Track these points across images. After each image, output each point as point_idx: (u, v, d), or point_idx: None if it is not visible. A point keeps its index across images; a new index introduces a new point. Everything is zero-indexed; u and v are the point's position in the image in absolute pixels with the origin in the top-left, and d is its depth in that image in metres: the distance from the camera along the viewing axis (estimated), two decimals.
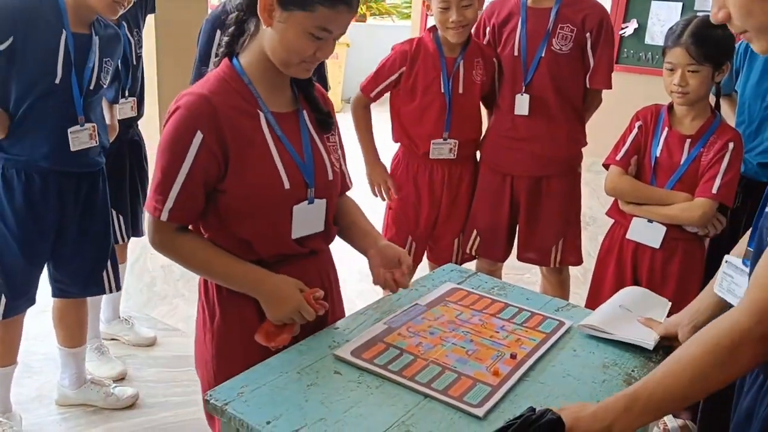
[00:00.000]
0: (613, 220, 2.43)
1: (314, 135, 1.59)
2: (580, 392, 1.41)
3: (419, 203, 2.76)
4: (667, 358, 1.18)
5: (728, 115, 2.51)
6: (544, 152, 2.69)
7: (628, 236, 2.30)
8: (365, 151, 2.79)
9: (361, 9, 11.52)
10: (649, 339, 1.56)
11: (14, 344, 2.46)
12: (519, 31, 2.64)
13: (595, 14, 2.61)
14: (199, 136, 1.41)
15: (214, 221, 1.52)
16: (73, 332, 2.62)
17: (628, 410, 1.14)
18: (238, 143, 1.44)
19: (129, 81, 2.88)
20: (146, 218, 1.52)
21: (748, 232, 1.33)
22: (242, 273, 1.52)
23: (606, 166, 2.35)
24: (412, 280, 1.73)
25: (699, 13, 2.85)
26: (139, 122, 3.08)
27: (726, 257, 1.45)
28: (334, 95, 8.37)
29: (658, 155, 2.23)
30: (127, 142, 2.96)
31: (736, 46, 2.68)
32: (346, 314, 1.72)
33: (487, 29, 2.74)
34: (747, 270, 1.28)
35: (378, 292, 2.99)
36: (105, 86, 2.41)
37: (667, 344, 1.56)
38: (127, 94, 2.88)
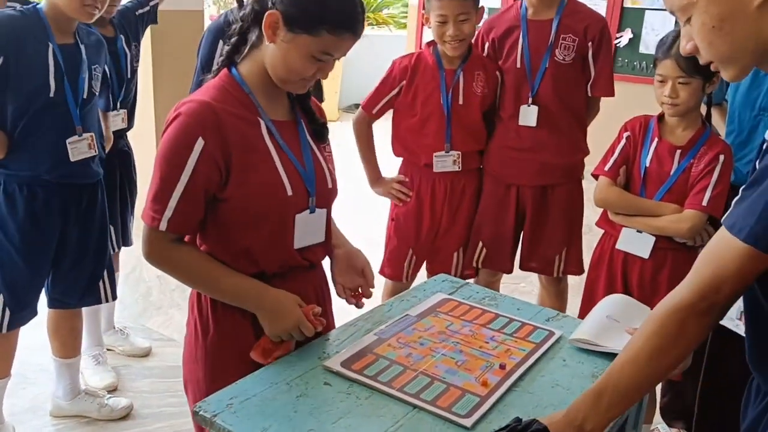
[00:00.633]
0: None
1: (312, 144, 1.60)
2: (569, 402, 1.39)
3: (421, 215, 2.77)
4: (623, 348, 1.25)
5: (718, 124, 2.52)
6: (549, 161, 2.70)
7: (617, 246, 2.31)
8: (368, 169, 2.82)
9: None
10: None
11: (10, 357, 2.46)
12: (521, 43, 2.65)
13: (596, 24, 2.64)
14: (200, 143, 1.39)
15: (214, 231, 1.50)
16: (67, 343, 2.62)
17: (596, 405, 1.21)
18: (241, 150, 1.44)
19: (122, 93, 2.89)
20: (143, 230, 1.48)
21: None
22: (241, 287, 1.50)
23: (595, 176, 2.36)
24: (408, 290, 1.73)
25: None
26: (129, 133, 3.10)
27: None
28: (331, 104, 8.39)
29: (647, 165, 2.24)
30: (117, 152, 2.97)
31: None
32: (342, 325, 1.73)
33: (486, 44, 2.75)
34: None
35: (373, 302, 3.00)
36: (97, 94, 2.42)
37: None
38: (119, 106, 2.90)
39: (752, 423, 1.24)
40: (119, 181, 3.00)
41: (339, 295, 1.70)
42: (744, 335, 1.24)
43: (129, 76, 2.94)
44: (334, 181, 1.64)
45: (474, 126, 2.73)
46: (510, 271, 2.93)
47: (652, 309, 1.28)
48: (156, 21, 3.18)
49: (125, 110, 2.95)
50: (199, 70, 2.32)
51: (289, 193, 1.50)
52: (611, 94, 2.71)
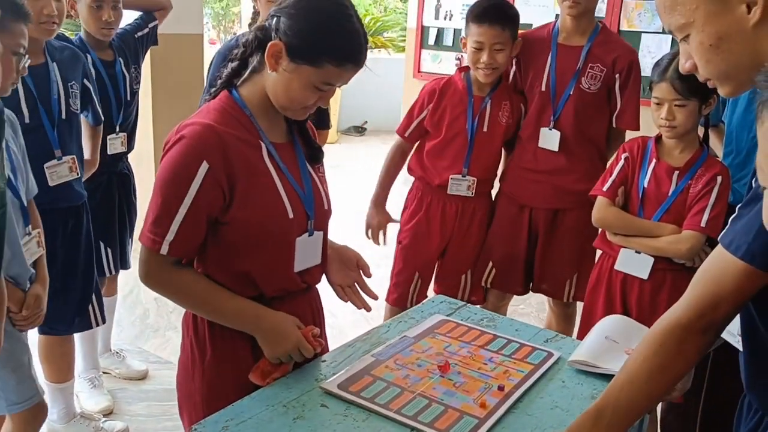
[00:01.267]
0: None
1: (308, 166, 1.60)
2: (568, 424, 1.38)
3: (429, 236, 2.77)
4: (621, 368, 1.25)
5: (716, 145, 2.52)
6: (564, 186, 2.70)
7: (616, 267, 2.30)
8: (379, 190, 2.82)
9: None
10: None
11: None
12: (549, 66, 2.66)
13: (625, 56, 2.65)
14: (204, 166, 1.38)
15: (213, 254, 1.49)
16: (60, 368, 2.59)
17: (596, 426, 1.20)
18: (244, 173, 1.43)
19: (120, 116, 2.89)
20: (141, 253, 1.46)
21: None
22: (241, 310, 1.49)
23: (593, 197, 2.36)
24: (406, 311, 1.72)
25: None
26: (129, 155, 3.09)
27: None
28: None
29: (645, 186, 2.24)
30: (116, 174, 2.96)
31: None
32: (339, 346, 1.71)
33: (514, 62, 2.76)
34: None
35: (370, 323, 2.99)
36: (78, 111, 2.38)
37: None
38: (118, 129, 2.89)
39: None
40: (118, 203, 2.98)
41: (341, 298, 1.69)
42: None
43: (128, 98, 2.94)
44: (329, 202, 1.64)
45: (493, 154, 2.76)
46: (521, 294, 2.92)
47: None
48: (156, 42, 3.19)
49: (125, 133, 2.93)
50: (207, 90, 2.33)
51: (291, 216, 1.50)
52: (636, 127, 2.70)
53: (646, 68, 4.89)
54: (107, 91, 2.79)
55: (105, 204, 2.87)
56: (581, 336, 2.33)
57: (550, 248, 2.77)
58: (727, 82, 1.13)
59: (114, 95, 2.84)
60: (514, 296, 3.02)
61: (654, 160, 2.26)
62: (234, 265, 1.49)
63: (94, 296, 2.55)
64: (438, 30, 6.07)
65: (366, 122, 8.97)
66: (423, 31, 6.15)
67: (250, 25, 2.61)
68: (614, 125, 2.72)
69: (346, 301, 1.70)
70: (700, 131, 2.26)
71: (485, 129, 2.67)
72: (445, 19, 6.33)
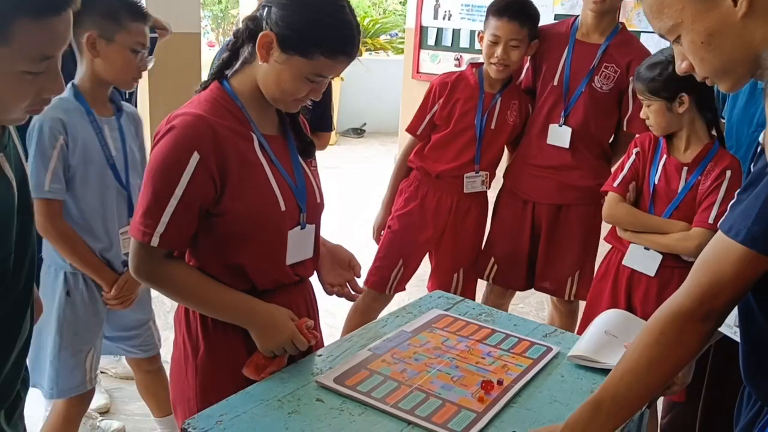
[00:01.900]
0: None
1: (300, 159, 1.58)
2: (567, 418, 1.37)
3: (421, 227, 2.74)
4: (620, 358, 1.23)
5: None
6: (568, 182, 2.69)
7: (624, 263, 2.29)
8: (388, 194, 2.82)
9: None
10: None
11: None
12: (564, 61, 2.64)
13: (640, 60, 2.61)
14: (195, 157, 1.36)
15: (205, 247, 1.47)
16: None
17: (595, 417, 1.19)
18: (236, 164, 1.41)
19: None
20: (132, 245, 1.44)
21: None
22: (233, 303, 1.47)
23: (604, 192, 2.34)
24: (397, 306, 1.70)
25: None
26: None
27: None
28: None
29: (656, 182, 2.23)
30: None
31: None
32: (336, 340, 1.70)
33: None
34: None
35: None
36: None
37: None
38: None
39: (745, 427, 1.22)
40: None
41: (328, 293, 1.68)
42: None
43: (126, 97, 2.92)
44: (321, 195, 1.62)
45: (497, 152, 2.76)
46: (522, 289, 2.90)
47: None
48: (151, 53, 3.17)
49: None
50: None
51: (283, 208, 1.48)
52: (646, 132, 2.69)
53: None
54: None
55: None
56: (582, 330, 2.32)
57: (552, 244, 2.75)
58: (725, 78, 1.13)
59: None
60: (516, 295, 3.00)
61: (664, 156, 2.24)
62: (226, 258, 1.47)
63: None
64: (437, 30, 6.05)
65: (365, 124, 8.95)
66: (422, 31, 6.14)
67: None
68: (624, 129, 2.69)
69: (331, 295, 1.69)
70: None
71: (493, 126, 2.67)
72: (444, 19, 6.32)
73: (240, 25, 1.47)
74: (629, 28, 5.37)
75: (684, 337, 1.16)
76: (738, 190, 1.12)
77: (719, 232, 1.11)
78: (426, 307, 1.88)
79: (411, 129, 2.75)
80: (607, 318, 1.75)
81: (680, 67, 1.16)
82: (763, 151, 1.10)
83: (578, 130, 2.64)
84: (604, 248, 2.45)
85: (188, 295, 1.49)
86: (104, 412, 2.81)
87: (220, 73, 1.50)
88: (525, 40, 2.55)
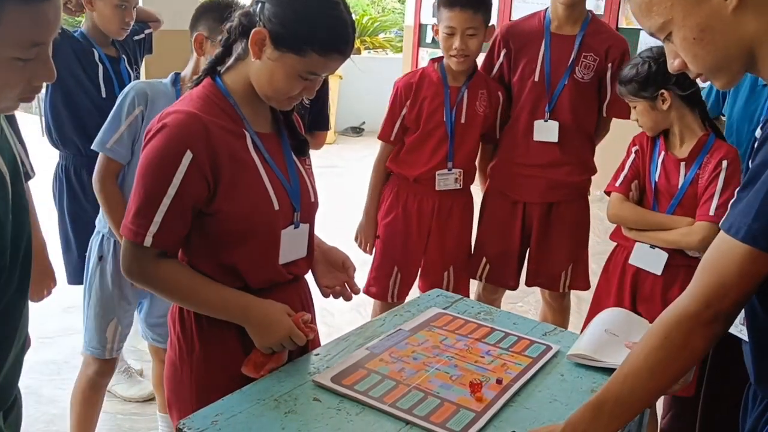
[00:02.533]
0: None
1: (294, 158, 1.57)
2: (567, 417, 1.36)
3: (407, 231, 2.72)
4: (625, 359, 1.21)
5: None
6: (558, 179, 2.67)
7: (630, 261, 2.28)
8: (369, 202, 2.77)
9: (356, 43, 11.64)
10: None
11: None
12: (542, 56, 2.62)
13: (618, 46, 2.63)
14: (188, 156, 1.34)
15: (198, 246, 1.45)
16: None
17: (596, 418, 1.17)
18: (229, 163, 1.39)
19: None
20: (123, 245, 1.42)
21: None
22: (228, 300, 1.45)
23: (607, 193, 2.33)
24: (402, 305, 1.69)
25: None
26: None
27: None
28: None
29: (657, 180, 2.23)
30: None
31: None
32: (333, 339, 1.68)
33: (503, 52, 2.70)
34: None
35: (367, 319, 2.95)
36: None
37: None
38: None
39: (751, 427, 1.20)
40: None
41: (324, 295, 1.66)
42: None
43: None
44: (315, 194, 1.60)
45: (472, 146, 2.70)
46: (514, 288, 2.88)
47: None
48: (151, 51, 3.19)
49: None
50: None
51: (276, 207, 1.46)
52: (627, 116, 2.67)
53: None
54: (113, 86, 2.78)
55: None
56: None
57: (544, 242, 2.74)
58: (719, 74, 1.12)
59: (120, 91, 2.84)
60: (514, 294, 2.99)
61: (662, 153, 2.24)
62: (219, 257, 1.45)
63: None
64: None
65: (363, 123, 8.93)
66: (420, 29, 6.13)
67: None
68: (604, 114, 2.69)
69: (327, 297, 1.67)
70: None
71: (463, 120, 2.61)
72: None
73: (233, 21, 1.45)
74: (628, 26, 5.39)
75: (690, 340, 1.13)
76: (737, 189, 1.10)
77: (721, 232, 1.09)
78: (424, 305, 1.86)
79: (383, 136, 2.70)
80: (608, 316, 1.73)
81: (673, 65, 1.15)
82: (760, 147, 1.09)
83: (565, 124, 2.63)
84: (607, 246, 2.44)
85: (182, 295, 1.46)
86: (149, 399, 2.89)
87: (212, 69, 1.48)
88: (481, 27, 2.49)
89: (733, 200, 1.12)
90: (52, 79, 1.10)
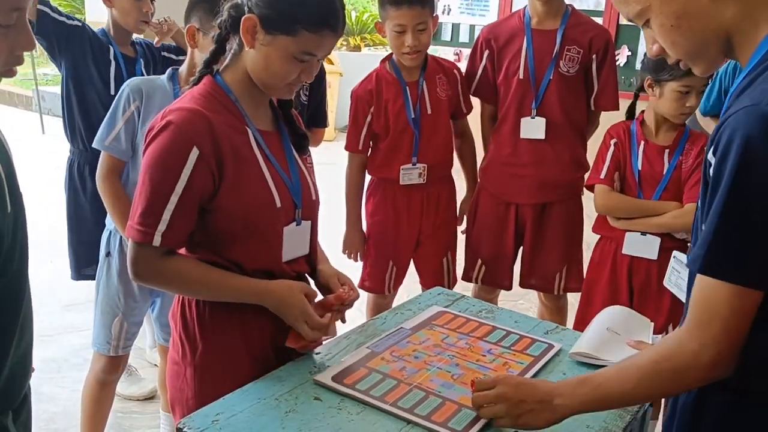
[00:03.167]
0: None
1: (295, 155, 1.56)
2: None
3: (397, 226, 2.71)
4: (625, 360, 1.21)
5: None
6: (550, 178, 2.65)
7: (624, 251, 2.32)
8: (350, 213, 2.73)
9: (356, 40, 11.63)
10: None
11: None
12: (525, 53, 2.60)
13: (601, 36, 2.61)
14: (195, 152, 1.34)
15: (200, 243, 1.45)
16: None
17: (574, 390, 1.18)
18: (233, 160, 1.39)
19: None
20: (130, 247, 1.40)
21: None
22: (241, 289, 1.44)
23: (590, 187, 2.35)
24: (396, 302, 1.68)
25: None
26: None
27: (674, 252, 1.55)
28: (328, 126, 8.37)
29: (640, 168, 2.28)
30: None
31: (725, 65, 2.67)
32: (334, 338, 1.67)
33: (485, 54, 2.69)
34: None
35: (356, 318, 2.94)
36: None
37: None
38: None
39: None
40: None
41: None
42: None
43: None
44: (316, 192, 1.60)
45: (444, 134, 2.68)
46: (509, 288, 2.87)
47: (653, 314, 1.23)
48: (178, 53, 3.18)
49: None
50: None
51: (278, 204, 1.46)
52: (616, 107, 2.67)
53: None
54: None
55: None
56: (577, 325, 2.32)
57: (538, 243, 2.73)
58: (698, 60, 1.13)
59: None
60: (515, 292, 2.98)
61: (642, 142, 2.30)
62: (220, 254, 1.44)
63: None
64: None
65: None
66: None
67: None
68: (592, 107, 2.68)
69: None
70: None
71: (429, 111, 2.60)
72: (443, 13, 6.28)
73: (223, 15, 1.44)
74: (629, 23, 5.39)
75: (684, 377, 1.07)
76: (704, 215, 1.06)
77: (698, 276, 1.04)
78: (425, 304, 1.85)
79: (350, 147, 2.67)
80: (609, 315, 1.72)
81: (651, 50, 1.16)
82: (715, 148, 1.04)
83: (555, 120, 2.61)
84: (590, 240, 2.46)
85: (196, 285, 1.45)
86: (149, 398, 2.91)
87: (208, 68, 1.48)
88: (429, 20, 2.47)
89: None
90: (33, 47, 1.09)
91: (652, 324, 1.70)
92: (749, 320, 1.00)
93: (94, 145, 2.13)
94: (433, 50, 6.00)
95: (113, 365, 2.30)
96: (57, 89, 10.52)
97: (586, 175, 2.75)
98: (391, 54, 2.61)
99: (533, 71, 2.60)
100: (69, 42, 2.70)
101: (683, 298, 1.25)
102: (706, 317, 1.02)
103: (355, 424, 1.30)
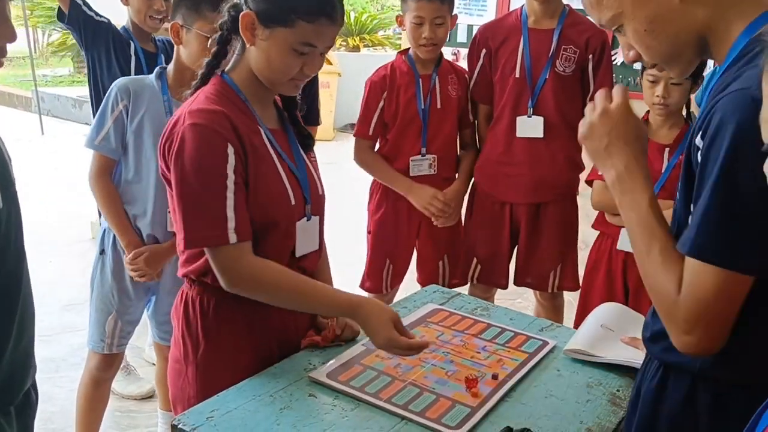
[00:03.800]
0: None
1: (302, 152, 1.57)
2: (563, 412, 1.36)
3: (397, 223, 2.72)
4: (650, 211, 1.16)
5: None
6: (544, 178, 2.65)
7: (618, 247, 2.33)
8: (396, 184, 2.68)
9: (355, 40, 11.62)
10: (638, 359, 1.52)
11: None
12: (521, 52, 2.61)
13: (597, 36, 2.61)
14: (231, 149, 1.35)
15: None
16: None
17: (623, 171, 1.15)
18: (253, 158, 1.40)
19: None
20: (212, 260, 1.38)
21: None
22: (338, 296, 1.44)
23: (589, 182, 2.35)
24: (394, 300, 1.69)
25: None
26: None
27: None
28: (326, 124, 8.36)
29: None
30: None
31: None
32: None
33: (483, 52, 2.69)
34: None
35: None
36: None
37: None
38: None
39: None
40: None
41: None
42: None
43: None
44: (322, 187, 1.61)
45: (451, 131, 2.70)
46: (505, 287, 2.88)
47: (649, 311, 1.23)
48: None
49: None
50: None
51: (293, 202, 1.48)
52: None
53: None
54: None
55: None
56: (578, 322, 2.32)
57: (533, 243, 2.73)
58: (673, 63, 1.13)
59: None
60: (513, 291, 2.98)
61: None
62: None
63: None
64: None
65: None
66: None
67: None
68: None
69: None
70: None
71: (439, 106, 2.63)
72: None
73: (223, 16, 1.45)
74: None
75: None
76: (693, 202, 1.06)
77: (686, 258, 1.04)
78: (421, 301, 1.86)
79: (360, 132, 2.67)
80: (603, 311, 1.73)
81: (627, 56, 1.16)
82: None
83: (549, 119, 2.61)
84: (580, 241, 2.46)
85: (287, 293, 1.42)
86: (147, 397, 2.91)
87: (211, 70, 1.48)
88: (448, 16, 2.52)
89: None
90: (13, 38, 1.09)
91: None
92: (737, 305, 1.00)
93: (85, 145, 2.13)
94: None
95: (107, 363, 2.30)
96: (56, 90, 10.60)
97: (582, 176, 2.76)
98: (408, 49, 2.65)
99: (529, 70, 2.60)
100: (95, 36, 2.81)
101: None
102: (693, 300, 1.01)
103: (349, 420, 1.30)
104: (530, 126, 2.62)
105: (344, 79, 8.26)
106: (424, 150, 2.63)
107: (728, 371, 1.07)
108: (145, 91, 2.11)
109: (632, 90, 5.14)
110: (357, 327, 1.54)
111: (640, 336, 1.59)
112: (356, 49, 11.41)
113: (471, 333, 1.66)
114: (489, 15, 6.19)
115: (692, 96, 2.36)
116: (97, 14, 2.85)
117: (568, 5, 2.67)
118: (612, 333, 1.61)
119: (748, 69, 0.97)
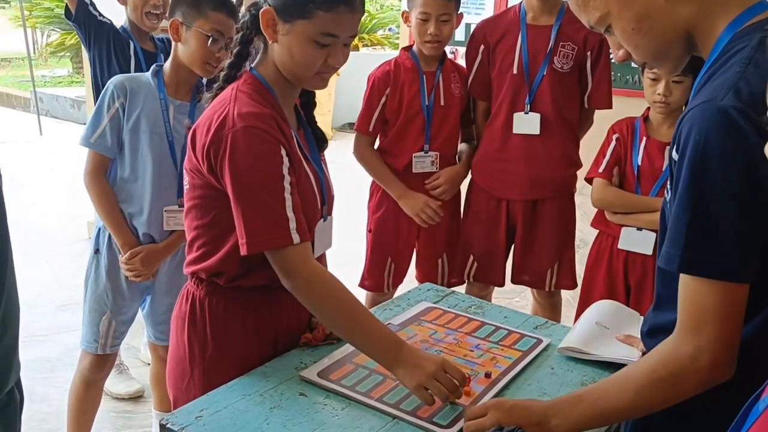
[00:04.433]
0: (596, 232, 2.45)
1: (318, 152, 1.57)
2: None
3: (398, 221, 2.70)
4: (619, 371, 1.16)
5: None
6: (541, 175, 2.63)
7: (619, 246, 2.32)
8: (390, 187, 2.67)
9: (354, 40, 11.61)
10: (632, 356, 1.51)
11: None
12: (519, 48, 2.60)
13: (596, 33, 2.57)
14: (282, 150, 1.35)
15: (236, 242, 1.39)
16: None
17: (570, 409, 1.15)
18: (290, 160, 1.38)
19: None
20: (281, 263, 1.35)
21: None
22: (386, 331, 1.38)
23: (589, 180, 2.34)
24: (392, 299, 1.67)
25: None
26: None
27: None
28: (324, 123, 8.34)
29: (639, 164, 2.28)
30: None
31: None
32: None
33: (481, 48, 2.68)
34: None
35: None
36: None
37: None
38: None
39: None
40: None
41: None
42: None
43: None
44: (332, 187, 1.61)
45: (454, 127, 2.70)
46: (502, 285, 2.86)
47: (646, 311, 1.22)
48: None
49: None
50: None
51: (319, 203, 1.48)
52: (609, 106, 2.64)
53: None
54: None
55: None
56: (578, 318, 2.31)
57: (529, 240, 2.71)
58: (663, 61, 1.14)
59: None
60: (510, 289, 2.97)
61: (644, 138, 2.29)
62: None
63: None
64: None
65: None
66: None
67: None
68: (586, 105, 2.66)
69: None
70: None
71: (442, 103, 2.62)
72: None
73: (245, 16, 1.44)
74: None
75: (681, 383, 1.04)
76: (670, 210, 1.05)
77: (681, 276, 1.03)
78: (415, 299, 1.84)
79: (360, 127, 2.66)
80: (598, 309, 1.71)
81: (618, 55, 1.16)
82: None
83: (548, 116, 2.60)
84: (579, 240, 2.45)
85: (343, 312, 1.37)
86: (136, 397, 2.91)
87: (234, 71, 1.47)
88: (453, 13, 2.52)
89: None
90: None
91: (642, 318, 1.69)
92: (741, 315, 0.98)
93: (80, 143, 2.12)
94: None
95: (99, 364, 2.28)
96: (55, 91, 10.59)
97: (579, 173, 2.75)
98: (411, 45, 2.65)
99: (527, 66, 2.59)
100: (97, 36, 2.84)
101: None
102: (697, 319, 1.00)
103: (339, 419, 1.28)
104: (527, 123, 2.61)
105: (343, 79, 8.22)
106: (426, 147, 2.63)
107: None
108: (141, 89, 2.10)
109: (632, 88, 5.13)
110: None
111: (635, 333, 1.59)
112: (355, 48, 11.39)
113: (464, 331, 1.65)
114: (487, 13, 6.17)
115: None
116: (100, 14, 2.89)
117: (566, 2, 2.65)
118: (607, 330, 1.60)
119: (720, 74, 0.98)
